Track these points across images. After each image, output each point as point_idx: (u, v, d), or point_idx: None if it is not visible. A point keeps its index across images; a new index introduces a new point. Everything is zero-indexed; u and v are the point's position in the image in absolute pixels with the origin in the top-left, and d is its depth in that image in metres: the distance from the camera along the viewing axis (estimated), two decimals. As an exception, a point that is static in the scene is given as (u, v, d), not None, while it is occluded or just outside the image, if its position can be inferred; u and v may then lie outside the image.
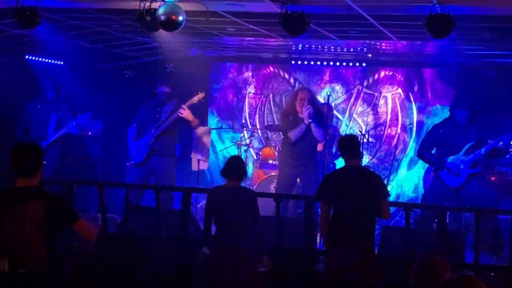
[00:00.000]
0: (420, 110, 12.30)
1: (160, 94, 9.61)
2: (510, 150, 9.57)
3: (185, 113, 9.36)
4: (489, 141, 8.85)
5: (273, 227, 7.55)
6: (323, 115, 9.32)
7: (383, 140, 12.48)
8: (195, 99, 9.54)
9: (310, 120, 9.11)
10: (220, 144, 12.94)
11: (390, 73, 12.47)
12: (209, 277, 6.43)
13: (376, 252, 6.81)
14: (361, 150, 6.45)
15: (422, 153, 9.00)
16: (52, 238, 4.62)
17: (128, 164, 10.06)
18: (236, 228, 6.33)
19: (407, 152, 12.29)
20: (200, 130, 11.17)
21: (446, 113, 9.11)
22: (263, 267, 6.88)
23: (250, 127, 12.26)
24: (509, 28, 8.42)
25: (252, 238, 6.36)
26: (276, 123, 12.49)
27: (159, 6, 7.31)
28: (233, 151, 12.18)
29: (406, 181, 12.28)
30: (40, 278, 4.56)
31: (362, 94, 12.60)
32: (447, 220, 7.54)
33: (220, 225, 6.46)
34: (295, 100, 9.41)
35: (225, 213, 6.39)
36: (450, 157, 8.70)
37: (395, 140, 11.93)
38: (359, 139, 6.51)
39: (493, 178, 10.58)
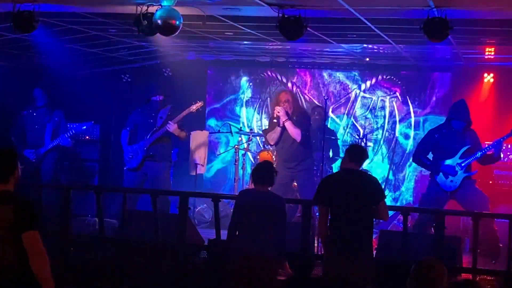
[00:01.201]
0: (417, 114, 12.29)
1: (154, 103, 9.60)
2: (508, 154, 9.59)
3: (172, 128, 9.36)
4: (485, 144, 8.85)
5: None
6: (305, 117, 9.54)
7: (380, 144, 12.48)
8: (194, 108, 9.52)
9: (283, 120, 9.17)
10: (218, 148, 12.93)
11: (388, 77, 12.47)
12: (231, 280, 6.38)
13: (374, 256, 6.79)
14: (363, 159, 6.44)
15: (418, 158, 9.00)
16: (21, 243, 4.34)
17: (124, 168, 10.05)
18: (259, 232, 6.28)
19: (404, 156, 12.29)
20: (198, 134, 11.17)
21: (443, 117, 9.10)
22: (283, 273, 6.86)
23: (247, 131, 12.25)
24: (506, 32, 8.43)
25: (274, 244, 6.32)
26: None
27: (156, 11, 7.30)
28: (231, 155, 12.17)
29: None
30: (13, 286, 4.35)
31: (360, 98, 12.60)
32: (445, 224, 7.51)
33: (243, 229, 6.41)
34: (276, 103, 9.49)
35: (249, 217, 6.35)
36: (446, 160, 8.70)
37: (393, 144, 11.92)
38: (367, 152, 6.54)
39: (490, 182, 10.58)
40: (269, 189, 6.49)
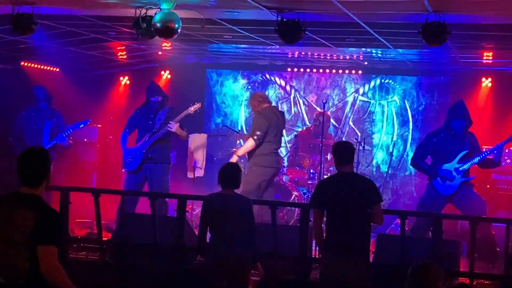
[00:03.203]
0: (415, 118, 12.31)
1: (152, 104, 9.60)
2: (505, 158, 9.59)
3: (174, 127, 9.35)
4: (483, 149, 8.85)
5: (268, 234, 7.54)
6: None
7: (378, 147, 12.49)
8: (192, 109, 9.49)
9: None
10: (216, 151, 12.92)
11: (386, 80, 12.50)
12: (204, 284, 6.41)
13: (371, 260, 6.79)
14: (354, 157, 6.41)
15: (415, 162, 9.00)
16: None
17: (123, 170, 10.04)
18: (230, 235, 6.31)
19: (403, 160, 12.30)
20: (196, 137, 11.17)
21: (441, 122, 9.10)
22: (256, 275, 6.87)
23: (246, 134, 12.25)
24: (504, 36, 8.45)
25: (246, 245, 6.34)
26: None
27: (155, 14, 7.31)
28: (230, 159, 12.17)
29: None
30: None
31: (358, 102, 12.62)
32: (442, 228, 7.51)
33: (214, 233, 6.44)
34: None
35: (219, 220, 6.37)
36: (444, 165, 8.70)
37: (391, 148, 11.93)
38: (354, 146, 6.46)
39: (488, 187, 10.59)
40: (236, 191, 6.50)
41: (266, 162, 9.38)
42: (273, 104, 12.85)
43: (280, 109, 12.83)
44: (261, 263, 6.57)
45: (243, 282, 6.31)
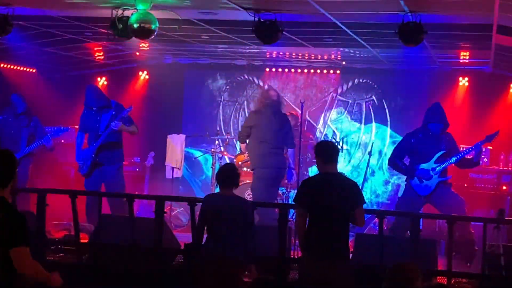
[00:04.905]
0: (393, 117, 12.36)
1: (95, 108, 9.49)
2: (482, 157, 9.65)
3: (119, 126, 9.26)
4: (460, 149, 8.91)
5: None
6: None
7: (357, 147, 12.53)
8: (125, 113, 9.36)
9: None
10: (195, 152, 12.90)
11: (364, 80, 12.54)
12: (182, 285, 6.39)
13: (350, 259, 6.80)
14: (335, 156, 6.39)
15: (393, 162, 9.03)
16: (7, 254, 4.18)
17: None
18: (226, 236, 6.28)
19: (381, 160, 12.35)
20: (174, 138, 11.14)
21: (419, 121, 9.16)
22: (248, 276, 6.85)
23: (224, 134, 12.23)
24: (480, 36, 8.51)
25: (241, 247, 6.32)
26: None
27: (132, 14, 7.28)
28: (208, 159, 12.15)
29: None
30: None
31: (336, 101, 12.65)
32: (421, 227, 7.55)
33: (211, 233, 6.41)
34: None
35: (217, 220, 6.34)
36: (421, 165, 8.75)
37: (369, 147, 11.96)
38: (337, 146, 6.46)
39: (465, 185, 10.65)
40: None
41: (252, 164, 9.70)
42: (252, 104, 12.87)
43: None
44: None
45: (233, 284, 6.28)
